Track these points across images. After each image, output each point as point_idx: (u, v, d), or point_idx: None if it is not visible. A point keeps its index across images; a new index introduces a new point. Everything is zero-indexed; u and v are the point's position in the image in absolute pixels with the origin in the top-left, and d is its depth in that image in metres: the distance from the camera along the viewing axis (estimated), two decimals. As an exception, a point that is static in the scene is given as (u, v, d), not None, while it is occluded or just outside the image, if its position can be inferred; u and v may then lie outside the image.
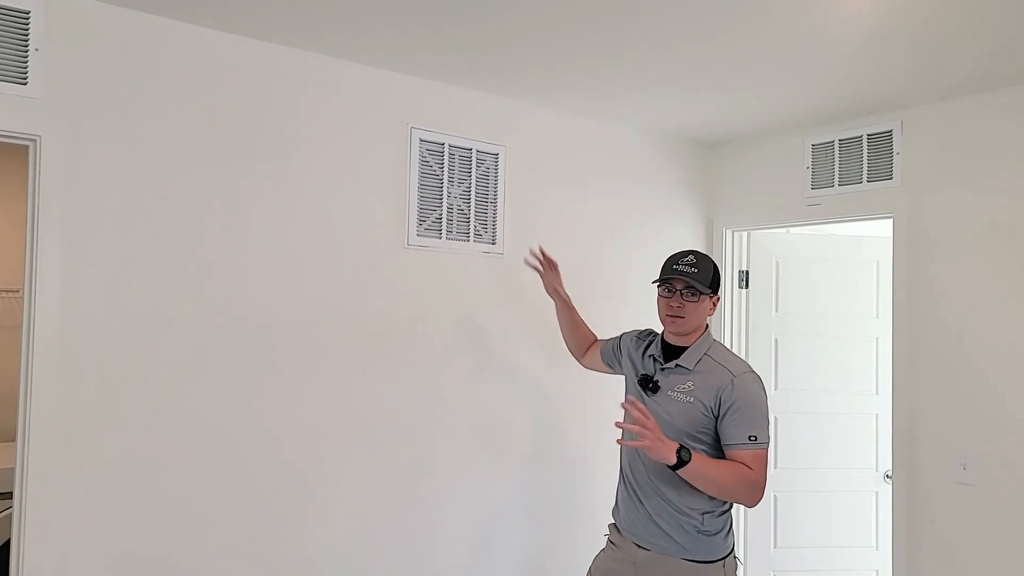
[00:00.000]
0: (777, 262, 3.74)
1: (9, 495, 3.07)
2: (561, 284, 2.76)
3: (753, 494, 2.10)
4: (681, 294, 2.22)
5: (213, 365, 2.45)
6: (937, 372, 3.00)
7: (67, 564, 2.21)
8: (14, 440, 2.21)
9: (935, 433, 2.99)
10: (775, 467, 3.67)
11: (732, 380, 2.14)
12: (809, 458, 3.69)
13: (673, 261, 2.25)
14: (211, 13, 2.34)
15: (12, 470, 2.24)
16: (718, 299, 2.29)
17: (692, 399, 2.17)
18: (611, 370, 2.59)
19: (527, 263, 2.78)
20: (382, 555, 2.78)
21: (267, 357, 2.55)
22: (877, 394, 3.68)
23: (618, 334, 2.56)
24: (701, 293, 2.21)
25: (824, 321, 3.71)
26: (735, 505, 2.29)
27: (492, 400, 3.07)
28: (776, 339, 3.72)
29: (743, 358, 2.34)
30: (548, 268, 2.75)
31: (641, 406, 2.05)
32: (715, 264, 2.28)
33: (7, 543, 2.74)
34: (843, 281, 3.71)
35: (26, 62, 2.16)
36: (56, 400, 2.19)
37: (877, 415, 3.68)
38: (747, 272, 3.76)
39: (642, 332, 2.47)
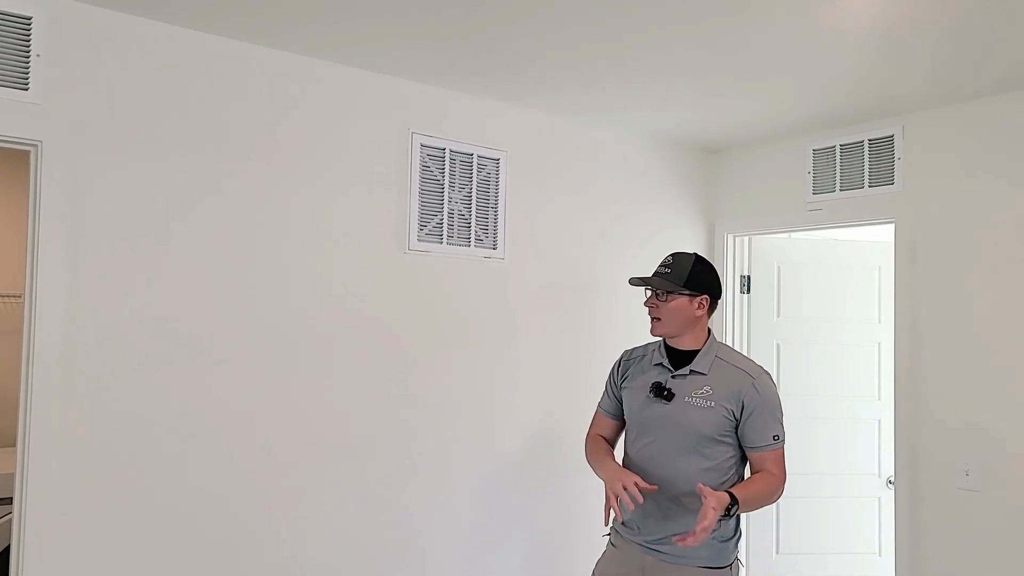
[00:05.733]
0: (779, 267, 3.74)
1: (9, 500, 3.06)
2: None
3: (778, 495, 2.19)
4: (656, 295, 2.24)
5: (214, 370, 2.45)
6: (939, 377, 2.99)
7: (68, 569, 2.20)
8: (14, 445, 2.21)
9: (938, 438, 2.98)
10: (777, 473, 3.66)
11: (753, 383, 2.16)
12: (811, 463, 3.67)
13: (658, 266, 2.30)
14: (213, 19, 2.34)
15: (12, 475, 2.24)
16: (705, 298, 2.21)
17: (713, 403, 2.15)
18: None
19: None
20: (372, 559, 2.77)
21: (270, 361, 2.55)
22: (879, 399, 3.67)
23: (604, 392, 2.44)
24: (670, 292, 2.20)
25: (826, 326, 3.70)
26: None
27: (493, 404, 3.06)
28: (778, 344, 3.71)
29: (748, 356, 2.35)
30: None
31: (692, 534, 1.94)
32: (699, 264, 2.23)
33: (7, 549, 2.74)
34: (845, 286, 3.71)
35: (28, 68, 2.16)
36: (57, 405, 2.18)
37: (879, 420, 3.67)
38: (749, 277, 3.75)
39: (630, 351, 2.41)
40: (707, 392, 2.17)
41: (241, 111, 2.51)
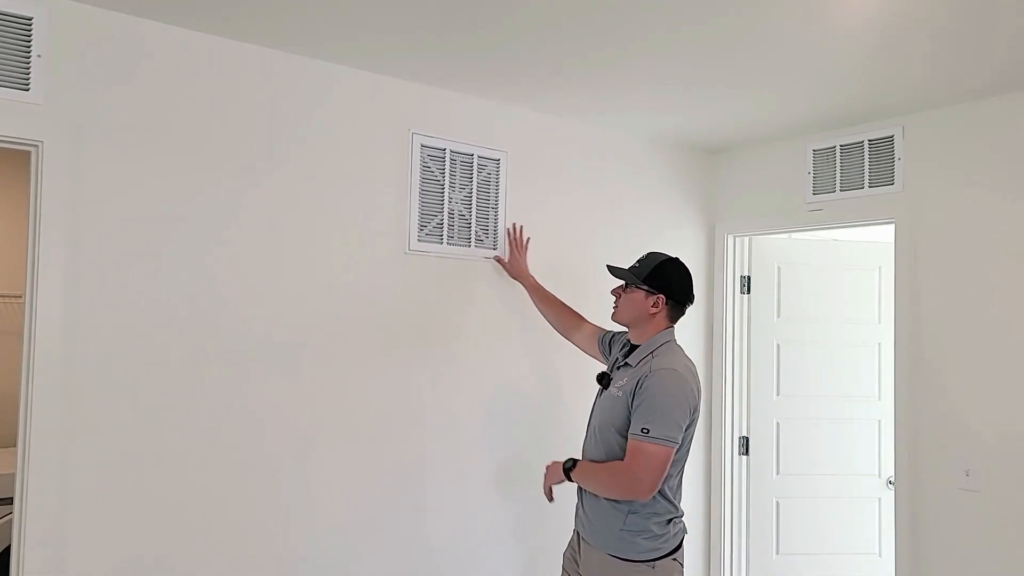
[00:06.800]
0: (779, 268, 3.74)
1: (9, 501, 3.06)
2: (526, 266, 3.03)
3: (625, 486, 2.15)
4: (624, 286, 2.38)
5: (213, 371, 2.45)
6: (939, 377, 2.99)
7: (67, 570, 2.20)
8: (14, 446, 2.21)
9: (938, 439, 2.98)
10: (776, 473, 3.67)
11: (648, 374, 2.17)
12: (811, 464, 3.68)
13: None
14: (213, 19, 2.34)
15: (12, 476, 2.24)
16: (661, 297, 2.29)
17: (621, 394, 2.22)
18: (602, 357, 2.69)
19: (509, 236, 3.06)
20: (375, 556, 2.77)
21: (269, 362, 2.55)
22: (879, 400, 3.67)
23: None
24: (628, 284, 2.34)
25: (826, 327, 3.70)
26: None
27: (494, 403, 3.06)
28: (778, 344, 3.71)
29: (687, 359, 2.28)
30: (518, 249, 3.03)
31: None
32: (667, 265, 2.33)
33: (7, 549, 2.74)
34: (845, 286, 3.71)
35: (28, 68, 2.16)
36: (57, 405, 2.18)
37: (879, 421, 3.67)
38: (749, 278, 3.75)
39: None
40: (623, 384, 2.24)
41: (240, 112, 2.51)
